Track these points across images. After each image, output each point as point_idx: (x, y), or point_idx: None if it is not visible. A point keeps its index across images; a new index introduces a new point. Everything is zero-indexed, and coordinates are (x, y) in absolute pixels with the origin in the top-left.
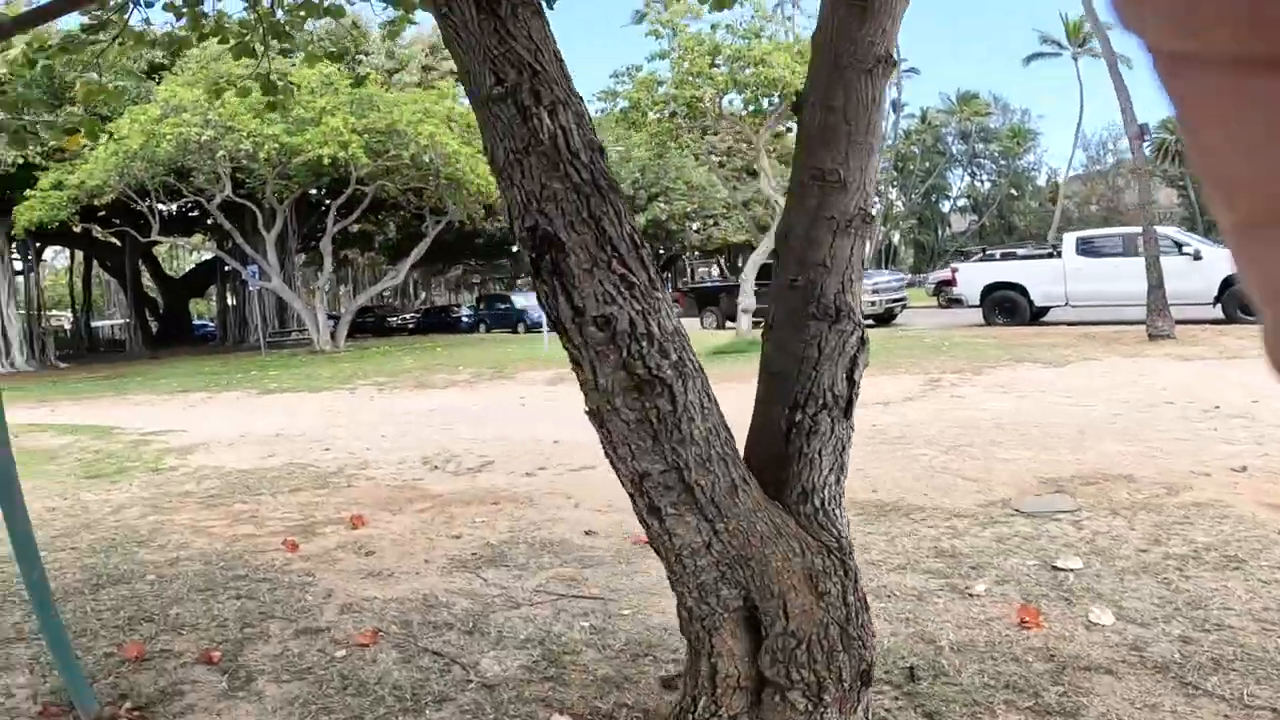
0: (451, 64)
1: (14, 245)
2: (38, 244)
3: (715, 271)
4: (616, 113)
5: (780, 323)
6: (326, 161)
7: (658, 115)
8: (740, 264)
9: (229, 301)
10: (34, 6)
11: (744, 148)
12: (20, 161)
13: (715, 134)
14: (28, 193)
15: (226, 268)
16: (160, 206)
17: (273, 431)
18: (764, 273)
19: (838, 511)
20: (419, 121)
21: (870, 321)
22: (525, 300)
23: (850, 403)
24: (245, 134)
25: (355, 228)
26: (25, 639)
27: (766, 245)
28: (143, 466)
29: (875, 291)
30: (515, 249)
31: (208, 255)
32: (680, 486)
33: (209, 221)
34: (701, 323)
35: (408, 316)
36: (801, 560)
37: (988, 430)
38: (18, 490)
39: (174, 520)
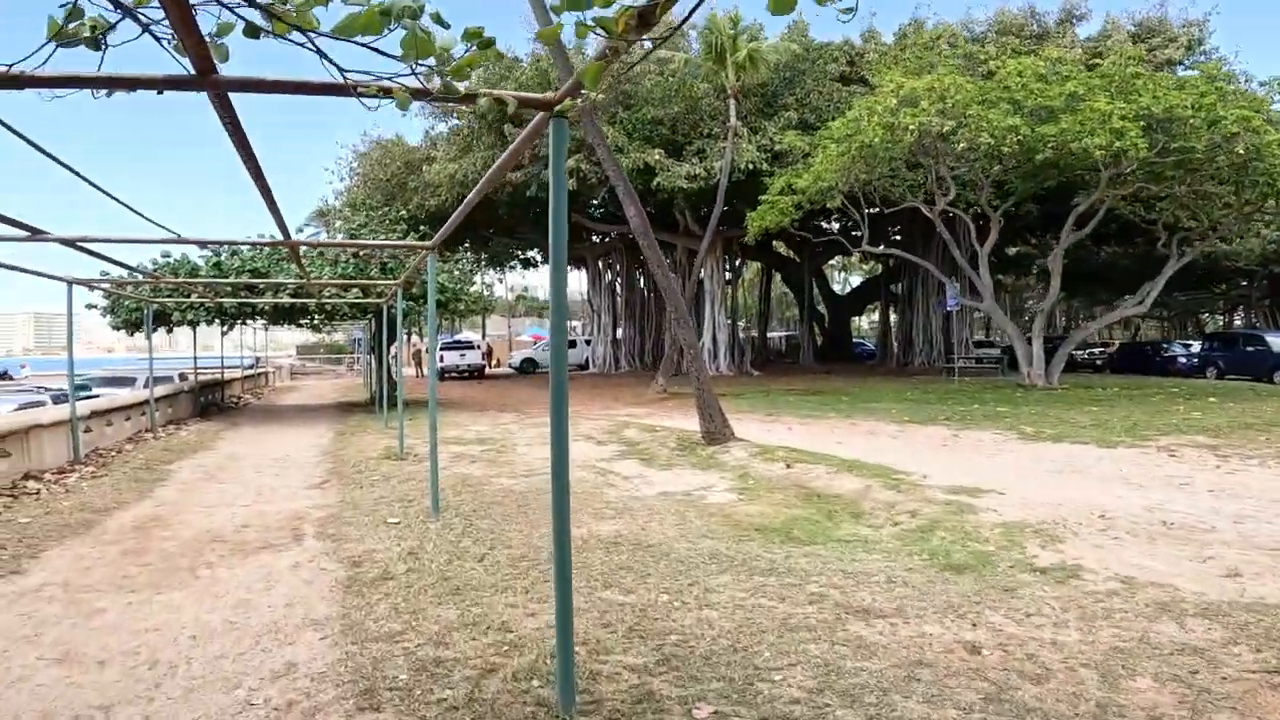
0: (1166, 52)
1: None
2: (738, 259)
3: None
4: None
5: None
6: (1097, 153)
7: None
8: None
9: (890, 321)
10: None
11: None
12: (749, 169)
13: None
14: (761, 198)
15: (894, 286)
16: (825, 227)
17: (1139, 512)
18: None
19: None
20: (1211, 105)
21: None
22: None
23: None
24: (984, 125)
25: (1012, 250)
26: None
27: None
28: (1012, 561)
29: None
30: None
31: (857, 278)
32: None
33: (877, 240)
34: None
35: (1095, 351)
36: None
37: None
38: None
39: None
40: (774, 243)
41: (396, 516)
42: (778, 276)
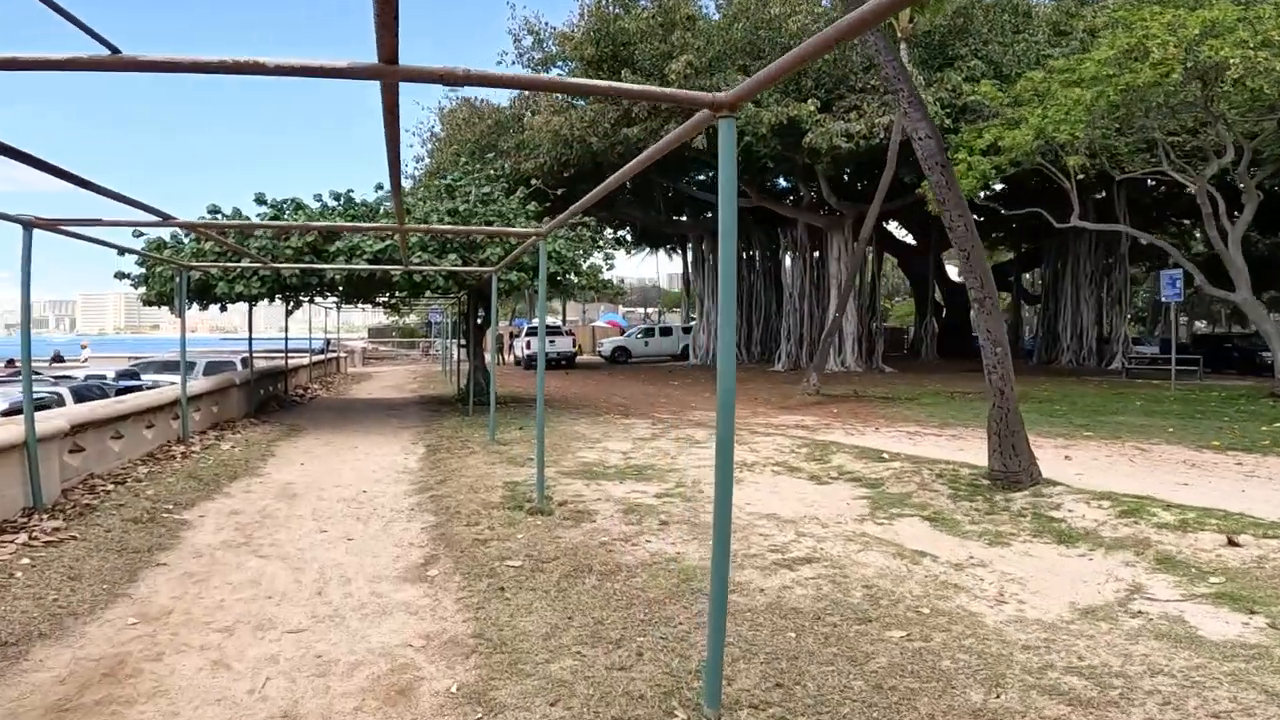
0: None
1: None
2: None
3: None
4: None
5: None
6: None
7: None
8: None
9: (1022, 312)
10: None
11: None
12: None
13: None
14: (955, 157)
15: (1026, 275)
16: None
17: None
18: None
19: None
20: None
21: None
22: None
23: None
24: None
25: (1145, 240)
26: None
27: None
28: None
29: None
30: None
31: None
32: None
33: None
34: None
35: None
36: None
37: None
38: None
39: None
40: (888, 224)
41: None
42: (888, 264)
